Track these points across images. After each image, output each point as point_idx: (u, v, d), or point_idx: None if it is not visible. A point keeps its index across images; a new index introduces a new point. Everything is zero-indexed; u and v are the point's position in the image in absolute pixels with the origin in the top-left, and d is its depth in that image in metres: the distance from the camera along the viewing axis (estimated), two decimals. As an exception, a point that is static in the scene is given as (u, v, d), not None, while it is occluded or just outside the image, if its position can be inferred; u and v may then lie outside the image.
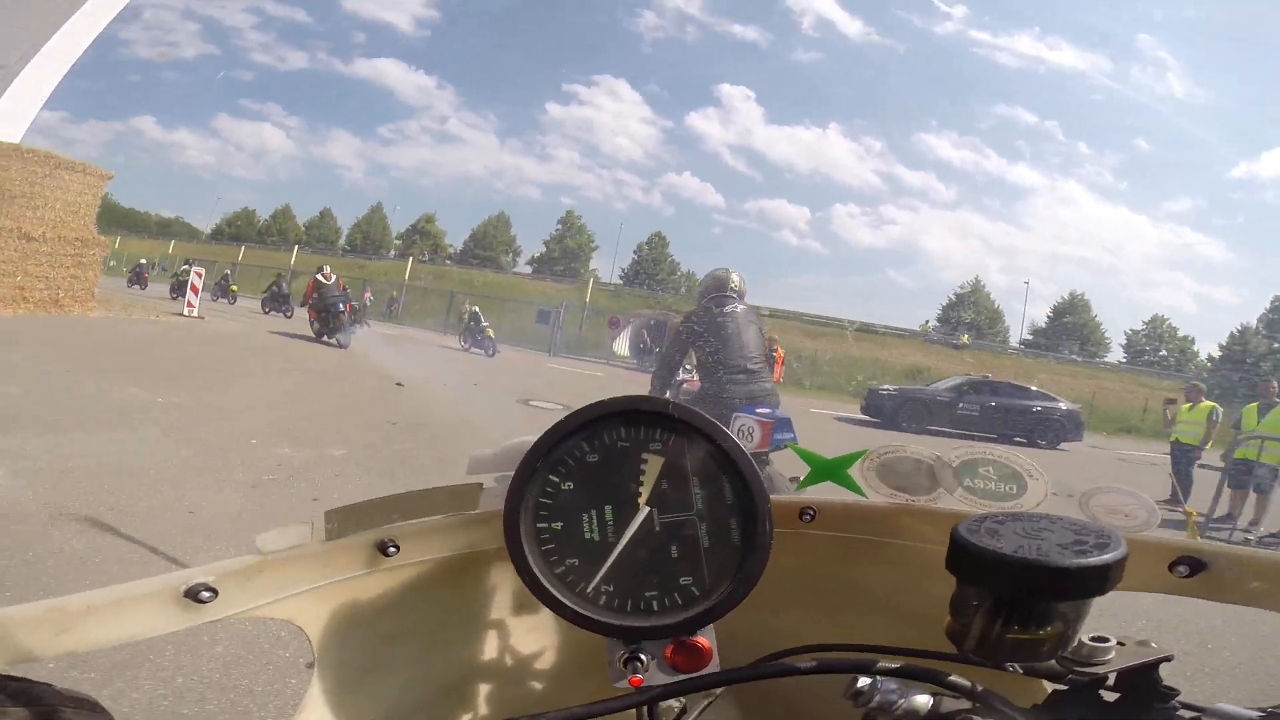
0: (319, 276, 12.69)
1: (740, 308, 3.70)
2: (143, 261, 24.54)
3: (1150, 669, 0.44)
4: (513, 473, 0.53)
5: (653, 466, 0.53)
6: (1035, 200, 61.19)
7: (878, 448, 0.66)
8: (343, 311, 12.10)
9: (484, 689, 0.65)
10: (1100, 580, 0.40)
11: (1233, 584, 0.50)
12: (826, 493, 0.68)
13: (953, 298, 42.13)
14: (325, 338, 12.15)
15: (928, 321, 36.88)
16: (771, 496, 0.53)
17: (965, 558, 0.43)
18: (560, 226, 50.82)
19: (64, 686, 0.40)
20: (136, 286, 21.44)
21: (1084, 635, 0.44)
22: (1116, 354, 38.09)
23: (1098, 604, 0.42)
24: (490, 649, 0.66)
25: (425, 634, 0.61)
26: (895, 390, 14.91)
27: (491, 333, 17.02)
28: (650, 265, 49.07)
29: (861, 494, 0.66)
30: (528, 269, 46.91)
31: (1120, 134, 64.12)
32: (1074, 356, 34.76)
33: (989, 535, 0.43)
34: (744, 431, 3.21)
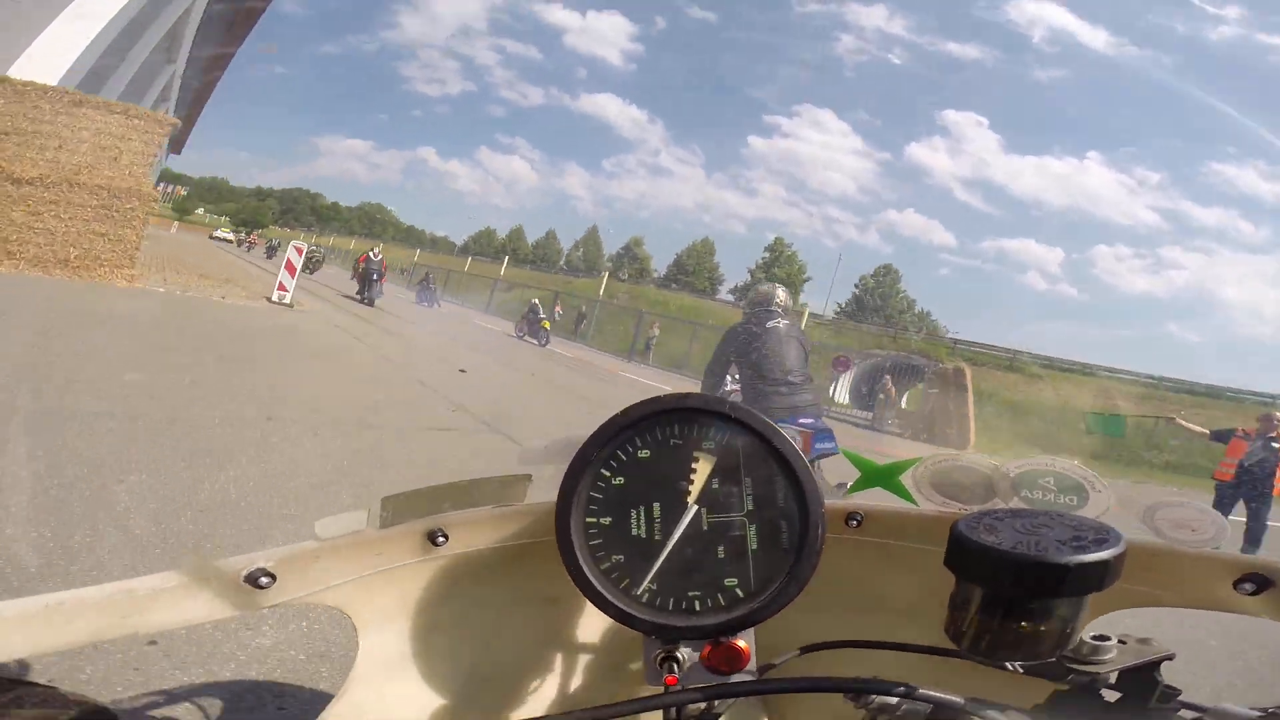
0: (370, 254, 15.93)
1: (784, 323, 3.74)
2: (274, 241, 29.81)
3: (1151, 668, 0.45)
4: (563, 466, 0.53)
5: (704, 466, 0.53)
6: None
7: (932, 456, 0.65)
8: (377, 281, 15.67)
9: (522, 683, 0.65)
10: (1098, 576, 0.39)
11: None
12: (875, 498, 0.67)
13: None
14: (361, 295, 15.53)
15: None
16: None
17: (963, 553, 0.42)
18: (767, 254, 47.07)
19: (71, 690, 0.42)
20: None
21: (1085, 634, 0.44)
22: None
23: (1147, 613, 0.45)
24: (530, 643, 0.66)
25: (467, 625, 0.62)
26: None
27: (547, 325, 17.48)
28: (877, 300, 43.62)
29: (912, 501, 0.65)
30: (729, 297, 42.95)
31: None
32: None
33: (987, 531, 0.43)
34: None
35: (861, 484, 0.67)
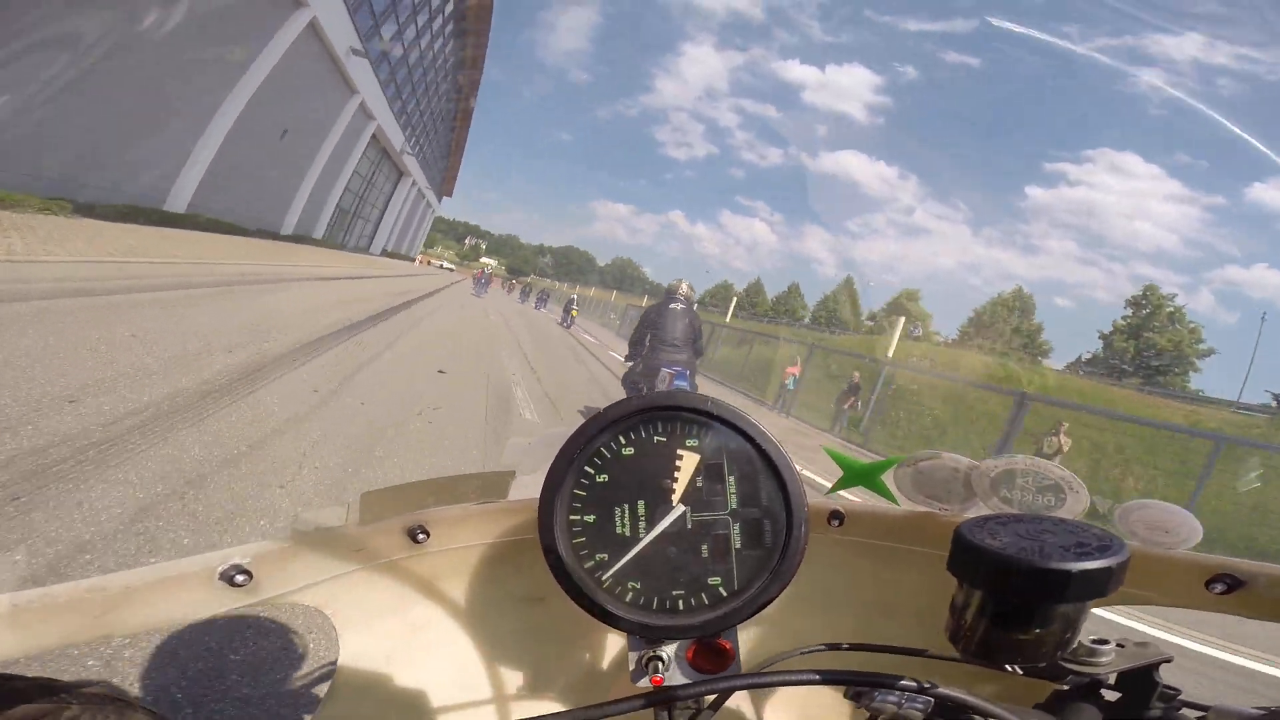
0: (484, 268, 30.79)
1: (680, 306, 5.42)
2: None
3: (1150, 670, 0.45)
4: (546, 462, 0.52)
5: (688, 463, 0.52)
6: None
7: (913, 455, 0.64)
8: (485, 283, 29.25)
9: (509, 682, 0.64)
10: (1100, 583, 0.39)
11: (1271, 602, 0.50)
12: (856, 497, 0.67)
13: None
14: (475, 290, 28.02)
15: None
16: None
17: (966, 558, 0.42)
18: (1130, 311, 35.08)
19: (75, 678, 0.41)
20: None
21: (1084, 638, 0.44)
22: None
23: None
24: (515, 642, 0.65)
25: (450, 624, 0.61)
26: None
27: (575, 313, 21.41)
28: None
29: (894, 501, 0.65)
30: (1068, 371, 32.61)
31: None
32: None
33: (990, 536, 0.42)
34: (660, 380, 5.14)
35: (843, 483, 0.66)
